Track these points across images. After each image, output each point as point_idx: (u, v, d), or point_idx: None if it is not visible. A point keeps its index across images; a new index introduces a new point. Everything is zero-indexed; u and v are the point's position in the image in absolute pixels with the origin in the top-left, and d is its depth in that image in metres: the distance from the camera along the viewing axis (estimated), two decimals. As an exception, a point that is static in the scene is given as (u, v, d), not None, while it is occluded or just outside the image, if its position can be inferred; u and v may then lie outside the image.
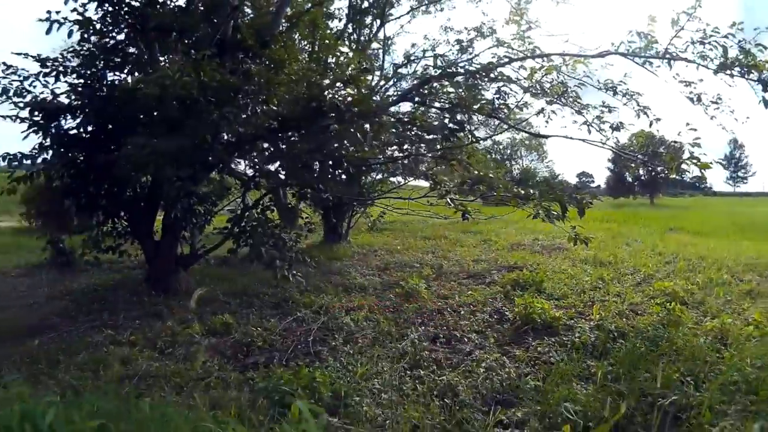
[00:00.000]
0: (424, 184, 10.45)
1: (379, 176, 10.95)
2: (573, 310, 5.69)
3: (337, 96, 5.67)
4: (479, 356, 4.36)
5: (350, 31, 11.79)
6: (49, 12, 6.30)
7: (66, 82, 6.49)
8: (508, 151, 47.07)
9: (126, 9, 6.54)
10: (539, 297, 5.98)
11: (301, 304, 5.96)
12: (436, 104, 6.33)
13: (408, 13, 13.22)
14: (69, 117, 6.39)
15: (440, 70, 6.86)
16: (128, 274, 8.31)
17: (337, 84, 6.24)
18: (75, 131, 6.46)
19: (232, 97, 5.70)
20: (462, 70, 6.77)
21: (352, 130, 5.62)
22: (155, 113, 5.89)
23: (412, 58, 11.89)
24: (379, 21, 12.38)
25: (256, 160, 6.88)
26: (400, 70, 10.92)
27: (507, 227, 14.08)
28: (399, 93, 8.89)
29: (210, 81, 5.36)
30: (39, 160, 6.32)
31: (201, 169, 5.97)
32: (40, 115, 6.17)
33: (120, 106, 5.98)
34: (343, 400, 3.46)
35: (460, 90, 6.18)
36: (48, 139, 6.27)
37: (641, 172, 43.47)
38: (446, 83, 6.30)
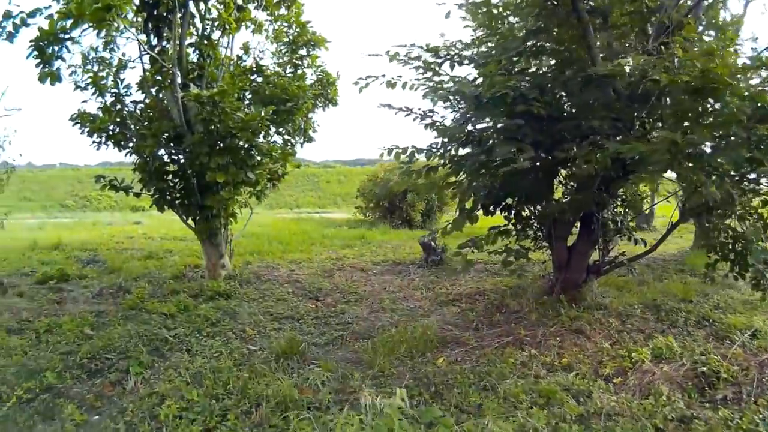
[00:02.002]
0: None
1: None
2: None
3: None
4: None
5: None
6: None
7: (451, 77, 5.60)
8: None
9: None
10: None
11: (726, 325, 5.28)
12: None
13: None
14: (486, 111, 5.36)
15: None
16: (522, 276, 7.43)
17: None
18: (500, 125, 5.43)
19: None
20: None
21: None
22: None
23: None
24: None
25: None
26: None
27: None
28: None
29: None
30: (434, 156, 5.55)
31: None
32: (463, 109, 5.59)
33: (577, 95, 5.19)
34: None
35: None
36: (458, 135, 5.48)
37: None
38: None
